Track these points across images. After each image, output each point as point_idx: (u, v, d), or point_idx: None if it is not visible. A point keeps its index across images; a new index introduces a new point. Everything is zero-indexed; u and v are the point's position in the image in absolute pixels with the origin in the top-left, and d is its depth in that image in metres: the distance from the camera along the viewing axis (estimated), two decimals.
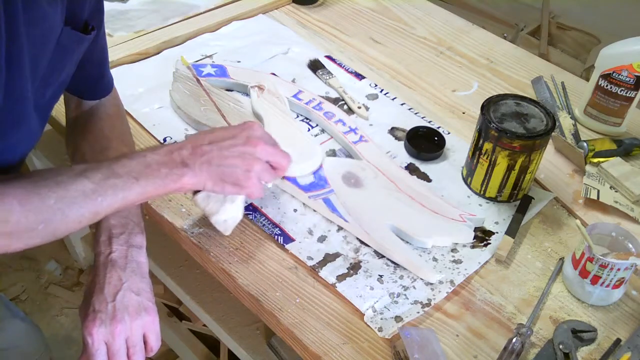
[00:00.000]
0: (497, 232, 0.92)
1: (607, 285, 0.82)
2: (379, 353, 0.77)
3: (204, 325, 1.29)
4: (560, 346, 0.77)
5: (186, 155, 0.72)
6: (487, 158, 0.93)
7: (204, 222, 0.90)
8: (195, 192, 0.82)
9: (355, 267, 0.86)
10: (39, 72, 0.68)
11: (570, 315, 0.83)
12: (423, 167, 1.01)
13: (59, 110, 1.02)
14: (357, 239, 0.89)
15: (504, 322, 0.81)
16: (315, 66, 1.19)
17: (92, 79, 0.88)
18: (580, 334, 0.79)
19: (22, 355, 1.04)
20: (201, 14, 1.31)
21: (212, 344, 1.36)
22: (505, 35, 2.06)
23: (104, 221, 0.78)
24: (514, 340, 0.77)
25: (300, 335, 0.78)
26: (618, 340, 0.79)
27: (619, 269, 0.80)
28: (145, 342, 0.75)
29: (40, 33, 0.65)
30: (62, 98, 0.95)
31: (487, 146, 0.92)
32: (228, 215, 0.83)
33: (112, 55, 1.16)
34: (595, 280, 0.81)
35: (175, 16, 1.29)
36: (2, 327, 1.02)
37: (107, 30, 1.22)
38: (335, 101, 1.12)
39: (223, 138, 0.74)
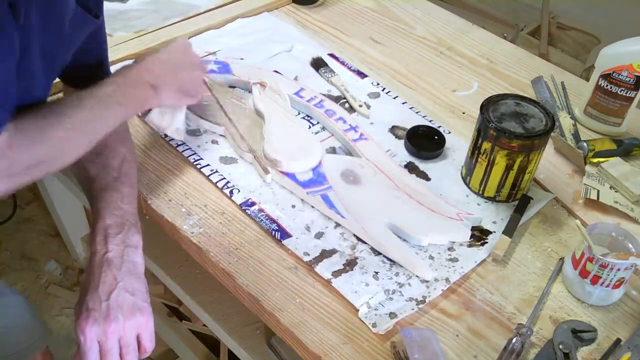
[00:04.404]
0: (494, 232, 0.92)
1: (607, 285, 0.82)
2: (379, 353, 0.77)
3: (204, 325, 1.28)
4: (560, 346, 0.77)
5: (150, 78, 0.81)
6: (485, 157, 0.93)
7: (204, 222, 0.90)
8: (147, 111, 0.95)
9: (351, 264, 0.86)
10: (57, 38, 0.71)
11: (570, 315, 0.83)
12: (422, 165, 1.01)
13: None
14: (354, 235, 0.89)
15: (504, 322, 0.81)
16: (317, 64, 1.20)
17: (91, 69, 0.88)
18: (580, 334, 0.79)
19: (25, 333, 1.03)
20: (201, 14, 1.31)
21: (212, 344, 1.36)
22: (505, 35, 2.05)
23: (100, 221, 0.78)
24: (514, 340, 0.77)
25: (300, 335, 0.78)
26: (618, 340, 0.79)
27: (619, 269, 0.80)
28: (139, 343, 0.75)
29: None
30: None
31: (486, 145, 0.92)
32: (178, 123, 0.96)
33: (112, 55, 1.16)
34: (595, 280, 0.81)
35: (175, 16, 1.29)
36: (3, 304, 1.01)
37: (107, 30, 1.22)
38: (337, 99, 1.12)
39: (169, 55, 0.87)
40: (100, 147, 0.84)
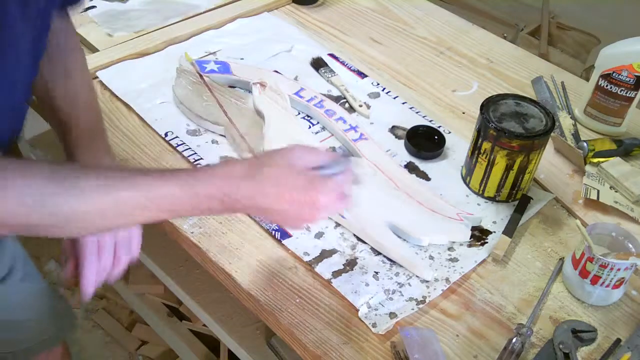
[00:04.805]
0: (494, 232, 0.92)
1: (607, 285, 0.82)
2: (379, 353, 0.77)
3: (204, 325, 1.29)
4: (560, 346, 0.77)
5: (240, 208, 0.65)
6: (485, 157, 0.93)
7: (204, 222, 0.90)
8: None
9: (351, 264, 0.86)
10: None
11: (570, 315, 0.83)
12: (422, 165, 1.01)
13: None
14: (355, 235, 0.89)
15: (504, 322, 0.81)
16: (317, 64, 1.20)
17: None
18: (580, 334, 0.79)
19: (46, 324, 1.01)
20: (201, 14, 1.31)
21: (212, 344, 1.36)
22: (505, 35, 2.06)
23: None
24: (514, 340, 0.77)
25: (300, 335, 0.78)
26: (618, 340, 0.79)
27: (619, 269, 0.80)
28: None
29: None
30: None
31: (486, 145, 0.92)
32: None
33: (113, 55, 1.16)
34: (595, 280, 0.81)
35: (175, 16, 1.29)
36: (26, 290, 0.99)
37: (107, 31, 1.23)
38: (337, 99, 1.12)
39: (283, 203, 0.65)
40: (66, 73, 0.83)
